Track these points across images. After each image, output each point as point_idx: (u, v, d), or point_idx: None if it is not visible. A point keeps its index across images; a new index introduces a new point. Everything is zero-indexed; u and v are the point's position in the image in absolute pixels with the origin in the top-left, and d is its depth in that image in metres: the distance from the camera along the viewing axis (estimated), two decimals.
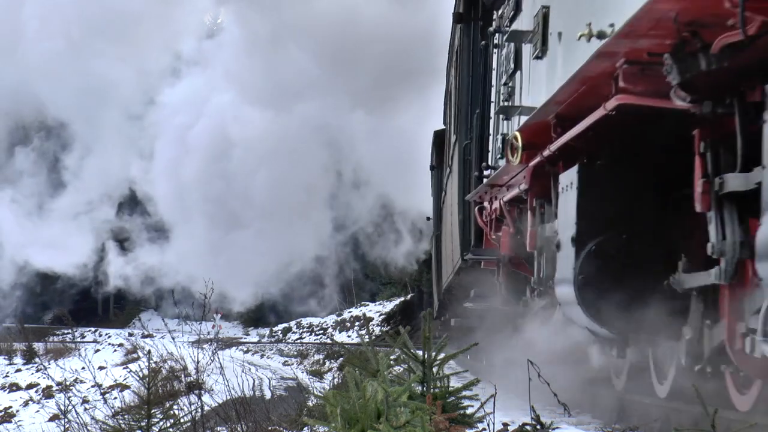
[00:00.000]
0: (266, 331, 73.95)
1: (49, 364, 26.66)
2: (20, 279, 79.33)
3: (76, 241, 77.39)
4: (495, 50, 12.26)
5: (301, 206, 73.00)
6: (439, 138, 25.12)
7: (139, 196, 78.61)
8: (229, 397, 11.63)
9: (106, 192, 78.65)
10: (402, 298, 64.92)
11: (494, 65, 12.35)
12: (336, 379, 20.61)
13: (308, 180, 73.80)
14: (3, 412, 31.12)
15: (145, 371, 8.12)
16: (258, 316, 79.01)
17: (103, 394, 12.01)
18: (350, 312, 68.37)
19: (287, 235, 71.53)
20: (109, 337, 66.84)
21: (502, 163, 10.67)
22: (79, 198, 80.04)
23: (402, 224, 72.92)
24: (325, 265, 74.25)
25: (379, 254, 73.24)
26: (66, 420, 10.85)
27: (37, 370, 36.87)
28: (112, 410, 10.61)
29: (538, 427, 5.80)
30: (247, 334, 76.57)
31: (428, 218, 33.39)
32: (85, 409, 12.76)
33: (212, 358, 12.46)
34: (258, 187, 72.29)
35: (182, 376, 15.02)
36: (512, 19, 11.10)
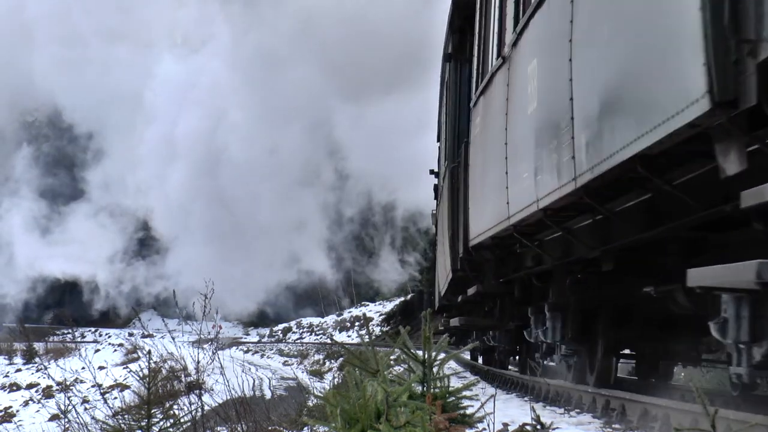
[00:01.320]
0: (266, 331, 73.96)
1: (49, 364, 26.66)
2: (38, 287, 79.65)
3: (87, 249, 77.70)
4: None
5: (297, 219, 73.18)
6: (464, 13, 15.18)
7: (135, 213, 78.95)
8: (229, 397, 11.63)
9: (119, 200, 78.98)
10: (402, 298, 64.90)
11: None
12: (336, 379, 20.61)
13: (304, 188, 74.01)
14: (3, 412, 31.13)
15: (145, 371, 8.12)
16: (257, 320, 79.17)
17: (103, 394, 12.02)
18: (350, 312, 68.37)
19: (284, 250, 71.71)
20: (109, 337, 66.87)
21: None
22: (91, 206, 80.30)
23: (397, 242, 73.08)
24: (322, 279, 74.47)
25: (370, 278, 73.47)
26: (66, 420, 10.85)
27: (37, 370, 36.87)
28: (112, 410, 10.61)
29: (538, 427, 5.80)
30: (247, 334, 76.54)
31: (432, 171, 24.69)
32: (85, 409, 12.76)
33: (212, 358, 12.46)
34: (254, 200, 72.51)
35: (182, 376, 15.01)
36: None
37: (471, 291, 14.73)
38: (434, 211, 25.29)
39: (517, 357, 17.47)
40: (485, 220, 11.82)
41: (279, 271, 71.43)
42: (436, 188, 23.79)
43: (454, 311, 20.95)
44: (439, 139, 21.18)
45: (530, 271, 11.69)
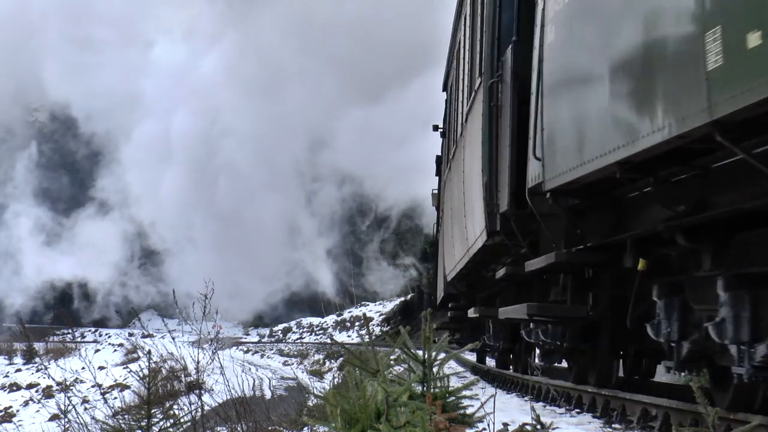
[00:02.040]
0: (266, 331, 73.97)
1: (49, 364, 26.67)
2: (46, 295, 79.87)
3: (87, 254, 77.79)
4: None
5: (294, 224, 73.21)
6: None
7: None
8: (229, 397, 11.63)
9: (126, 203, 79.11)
10: (402, 298, 64.88)
11: None
12: (336, 379, 20.60)
13: (302, 192, 74.01)
14: (3, 412, 31.13)
15: (145, 371, 8.11)
16: (257, 321, 79.28)
17: (103, 394, 12.02)
18: (350, 312, 68.35)
19: (281, 256, 71.73)
20: (110, 337, 66.87)
21: None
22: (92, 211, 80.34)
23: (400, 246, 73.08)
24: (319, 285, 74.61)
25: (367, 290, 73.50)
26: (66, 420, 10.84)
27: (38, 370, 36.88)
28: (112, 410, 10.61)
29: (538, 427, 5.79)
30: (248, 334, 76.54)
31: (435, 127, 20.76)
32: (85, 409, 12.75)
33: (212, 357, 12.45)
34: (250, 205, 72.59)
35: (182, 376, 15.01)
36: None
37: (536, 263, 9.22)
38: (435, 191, 22.21)
39: (560, 360, 12.11)
40: (601, 136, 6.66)
41: (276, 278, 71.54)
42: (438, 161, 20.35)
43: (464, 301, 16.67)
44: (445, 88, 16.98)
45: (683, 222, 6.47)
